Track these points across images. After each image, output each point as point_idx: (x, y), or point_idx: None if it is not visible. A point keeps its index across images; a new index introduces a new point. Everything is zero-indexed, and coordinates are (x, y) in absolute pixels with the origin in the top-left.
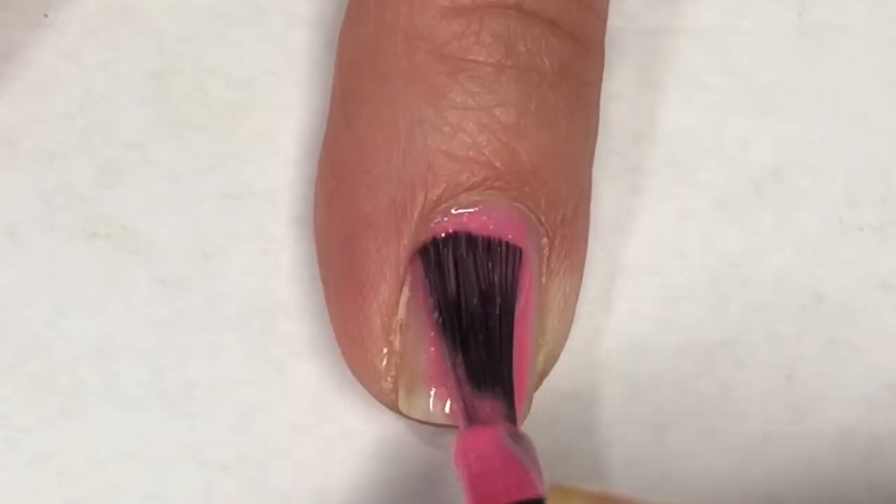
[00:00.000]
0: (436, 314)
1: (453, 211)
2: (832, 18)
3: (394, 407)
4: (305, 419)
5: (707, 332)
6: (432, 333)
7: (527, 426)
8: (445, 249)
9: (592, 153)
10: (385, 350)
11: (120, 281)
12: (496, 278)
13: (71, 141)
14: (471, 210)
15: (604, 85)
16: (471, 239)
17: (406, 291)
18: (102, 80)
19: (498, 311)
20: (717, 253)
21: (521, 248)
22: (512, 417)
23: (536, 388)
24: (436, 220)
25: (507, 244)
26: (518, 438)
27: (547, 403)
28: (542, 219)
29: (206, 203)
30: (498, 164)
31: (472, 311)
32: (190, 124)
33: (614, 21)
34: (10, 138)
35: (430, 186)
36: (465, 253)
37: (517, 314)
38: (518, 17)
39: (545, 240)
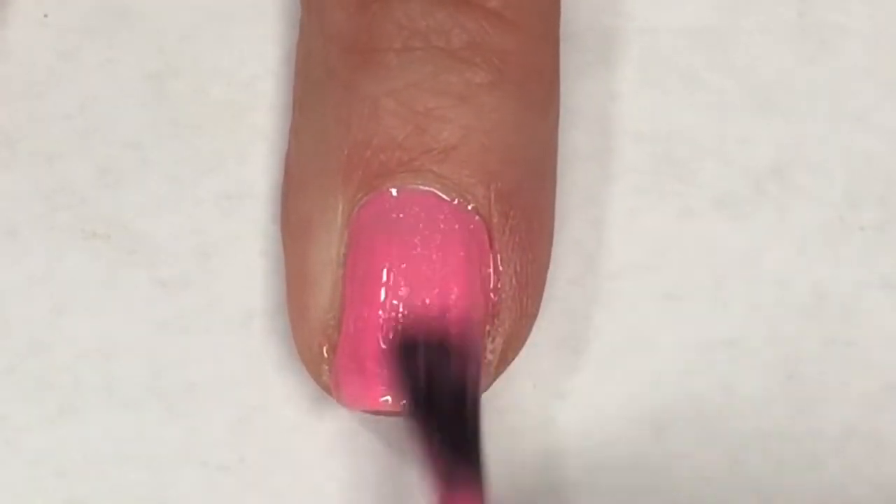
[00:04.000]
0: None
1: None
2: (832, 18)
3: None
4: (305, 419)
5: (707, 331)
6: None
7: (525, 428)
8: (415, 355)
9: (541, 128)
10: (324, 345)
11: (120, 281)
12: (467, 374)
13: (71, 141)
14: (380, 197)
15: (603, 84)
16: (442, 341)
17: (339, 285)
18: (102, 80)
19: (468, 405)
20: (717, 253)
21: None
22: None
23: (500, 372)
24: (355, 211)
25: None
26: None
27: (545, 403)
28: (468, 196)
29: (206, 203)
30: (409, 147)
31: (441, 409)
32: (190, 124)
33: (614, 21)
34: (10, 138)
35: (348, 181)
36: (437, 358)
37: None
38: (421, 1)
39: (477, 217)
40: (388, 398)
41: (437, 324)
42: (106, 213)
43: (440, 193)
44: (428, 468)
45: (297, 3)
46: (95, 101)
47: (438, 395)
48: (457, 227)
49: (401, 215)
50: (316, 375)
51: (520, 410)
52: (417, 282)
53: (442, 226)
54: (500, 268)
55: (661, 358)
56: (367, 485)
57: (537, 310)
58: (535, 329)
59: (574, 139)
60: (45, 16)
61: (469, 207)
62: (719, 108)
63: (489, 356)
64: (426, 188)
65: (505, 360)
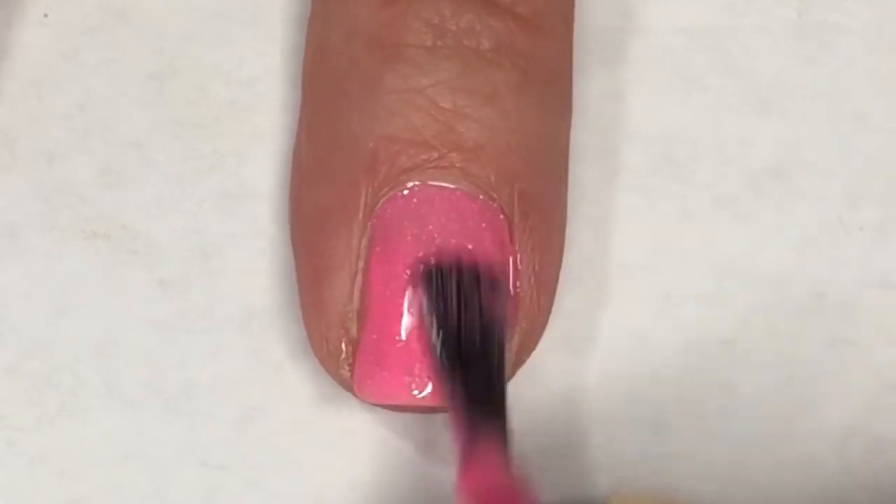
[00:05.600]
0: (435, 338)
1: (391, 194)
2: (832, 18)
3: (354, 393)
4: (305, 419)
5: (707, 331)
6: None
7: (526, 426)
8: (449, 279)
9: (560, 131)
10: (343, 338)
11: (120, 281)
12: (496, 311)
13: (71, 141)
14: (406, 191)
15: (603, 83)
16: (473, 271)
17: (359, 279)
18: (102, 80)
19: (496, 345)
20: (717, 253)
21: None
22: (509, 451)
23: (514, 371)
24: (379, 205)
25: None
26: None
27: (547, 403)
28: (494, 195)
29: (206, 203)
30: (437, 144)
31: (470, 343)
32: (190, 124)
33: (614, 21)
34: (10, 138)
35: (372, 174)
36: (468, 285)
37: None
38: (451, 1)
39: (502, 216)
40: (415, 391)
41: (467, 255)
42: (106, 213)
43: (467, 190)
44: (452, 415)
45: (298, 2)
46: (95, 101)
47: (468, 327)
48: (483, 224)
49: (427, 210)
50: (333, 370)
51: (520, 410)
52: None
53: (469, 223)
54: (520, 267)
55: (661, 358)
56: (367, 485)
57: (550, 310)
58: None
59: (574, 139)
60: (46, 15)
61: (494, 206)
62: (719, 108)
63: (507, 354)
64: (454, 185)
65: (520, 359)
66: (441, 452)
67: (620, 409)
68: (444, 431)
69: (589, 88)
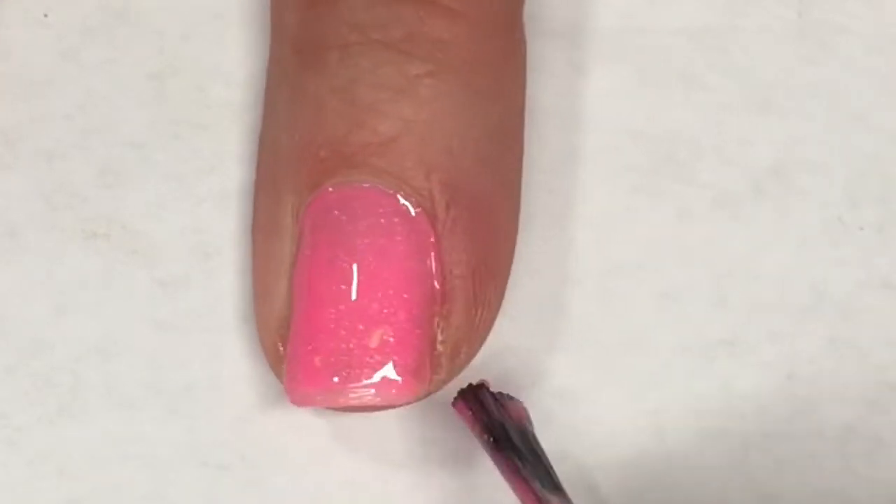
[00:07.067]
0: (491, 442)
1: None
2: (832, 18)
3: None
4: (305, 419)
5: (707, 331)
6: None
7: None
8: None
9: (492, 114)
10: (279, 344)
11: (120, 281)
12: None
13: (71, 141)
14: (327, 193)
15: (603, 83)
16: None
17: (286, 285)
18: (102, 80)
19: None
20: (717, 252)
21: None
22: None
23: (456, 366)
24: (302, 211)
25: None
26: None
27: (546, 403)
28: (409, 189)
29: (206, 203)
30: (351, 142)
31: (515, 435)
32: (190, 124)
33: (614, 21)
34: (10, 138)
35: (297, 180)
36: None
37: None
38: None
39: (419, 209)
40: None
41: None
42: (106, 212)
43: (381, 186)
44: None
45: None
46: (96, 101)
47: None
48: (396, 219)
49: (341, 212)
50: (278, 375)
51: None
52: (362, 280)
53: (382, 220)
54: (444, 257)
55: (661, 358)
56: (367, 485)
57: (498, 300)
58: (534, 329)
59: (573, 139)
60: (45, 15)
61: (410, 200)
62: (719, 108)
63: (440, 347)
64: (366, 183)
65: (458, 352)
66: (441, 452)
67: (620, 408)
68: (444, 431)
69: (589, 88)
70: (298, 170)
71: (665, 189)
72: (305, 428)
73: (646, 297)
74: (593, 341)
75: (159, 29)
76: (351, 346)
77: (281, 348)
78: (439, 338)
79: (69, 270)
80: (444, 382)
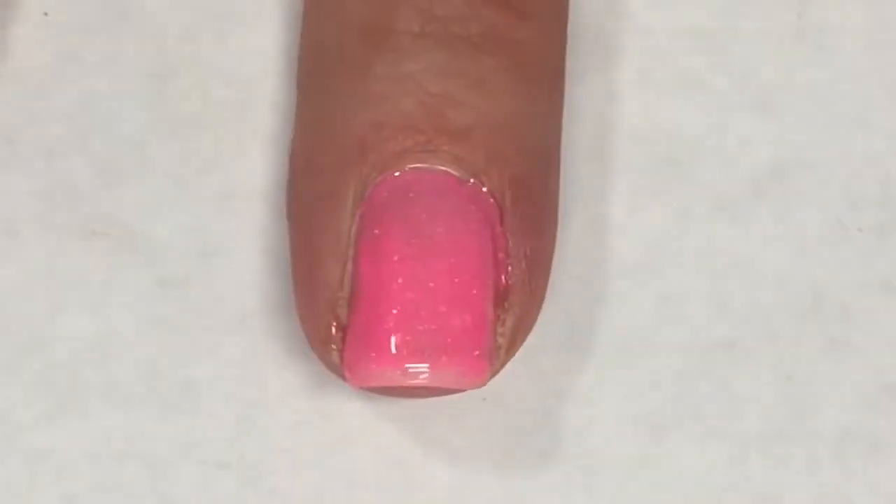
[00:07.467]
0: None
1: (380, 180)
2: (832, 19)
3: (344, 378)
4: (305, 419)
5: (707, 331)
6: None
7: (525, 428)
8: None
9: (550, 117)
10: (333, 324)
11: (119, 280)
12: None
13: (71, 140)
14: (395, 177)
15: (603, 84)
16: None
17: (350, 266)
18: (102, 79)
19: None
20: (717, 253)
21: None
22: None
23: (509, 356)
24: (368, 190)
25: None
26: None
27: (546, 403)
28: (484, 178)
29: (206, 203)
30: (425, 128)
31: None
32: (190, 124)
33: (614, 21)
34: (10, 138)
35: (361, 161)
36: None
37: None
38: None
39: (492, 200)
40: (398, 373)
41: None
42: (106, 211)
43: (456, 174)
44: None
45: (298, 2)
46: (96, 100)
47: None
48: (473, 207)
49: (415, 195)
50: (325, 356)
51: (520, 410)
52: (442, 263)
53: (460, 206)
54: (511, 251)
55: (661, 358)
56: (367, 485)
57: (544, 295)
58: (534, 329)
59: (574, 139)
60: (46, 14)
61: (484, 189)
62: (719, 108)
63: (499, 339)
64: (442, 168)
65: (514, 344)
66: (441, 452)
67: (620, 408)
68: (445, 431)
69: (588, 88)
70: (366, 148)
71: (665, 189)
72: (305, 428)
73: (646, 297)
74: (593, 341)
75: (159, 29)
76: (433, 327)
77: (333, 327)
78: (499, 330)
79: (69, 269)
80: (496, 373)
